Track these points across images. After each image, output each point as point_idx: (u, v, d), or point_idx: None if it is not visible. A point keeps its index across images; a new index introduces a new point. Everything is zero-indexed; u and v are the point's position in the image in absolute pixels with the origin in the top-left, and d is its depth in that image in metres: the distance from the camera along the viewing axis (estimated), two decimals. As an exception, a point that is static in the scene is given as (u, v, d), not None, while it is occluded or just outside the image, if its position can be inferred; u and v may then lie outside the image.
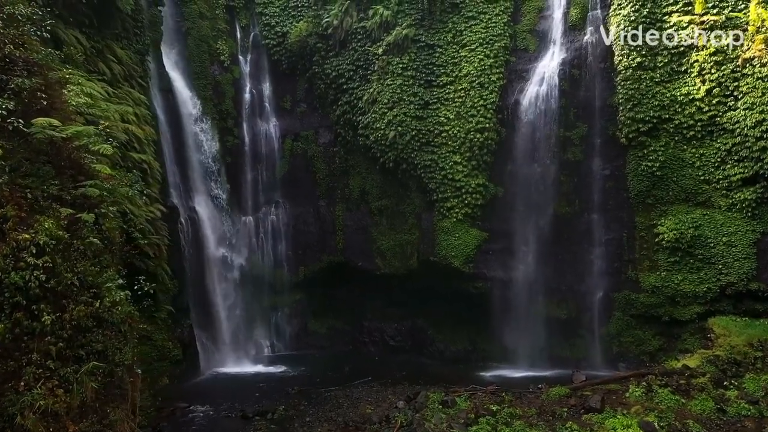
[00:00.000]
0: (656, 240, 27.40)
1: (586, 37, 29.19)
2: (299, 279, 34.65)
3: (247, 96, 35.10)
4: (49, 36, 13.52)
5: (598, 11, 29.11)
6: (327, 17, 33.17)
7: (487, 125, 29.90)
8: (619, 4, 28.04)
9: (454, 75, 30.85)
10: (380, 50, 31.77)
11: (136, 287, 13.45)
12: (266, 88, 35.55)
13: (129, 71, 24.21)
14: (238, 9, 35.11)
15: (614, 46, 28.14)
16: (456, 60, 30.88)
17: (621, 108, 27.81)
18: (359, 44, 32.57)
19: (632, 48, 27.47)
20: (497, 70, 30.24)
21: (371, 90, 31.95)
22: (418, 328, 33.19)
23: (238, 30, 35.32)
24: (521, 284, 30.19)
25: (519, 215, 30.15)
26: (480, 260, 30.36)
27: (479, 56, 30.41)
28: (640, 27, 27.29)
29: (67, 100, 13.15)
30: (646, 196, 27.78)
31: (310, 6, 34.14)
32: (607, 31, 28.52)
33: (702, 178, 26.76)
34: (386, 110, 31.35)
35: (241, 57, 35.26)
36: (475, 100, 30.13)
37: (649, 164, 27.38)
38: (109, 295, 11.17)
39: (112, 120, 19.58)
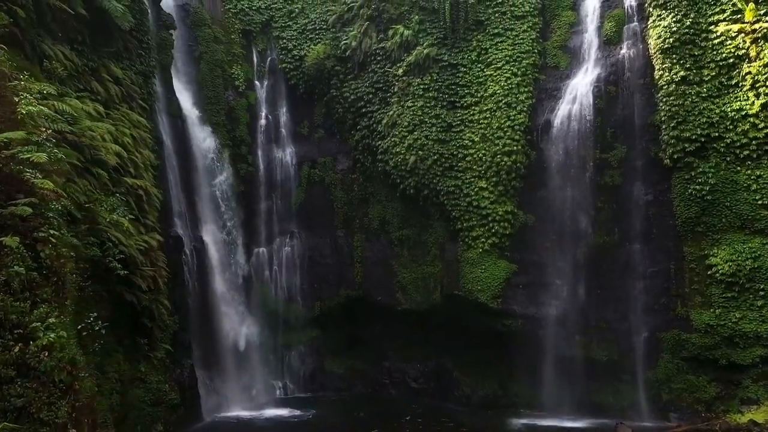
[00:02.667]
0: (709, 272, 24.44)
1: (622, 52, 26.93)
2: (315, 314, 32.44)
3: (262, 122, 33.65)
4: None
5: (636, 23, 26.88)
6: (345, 39, 31.79)
7: (515, 148, 27.67)
8: (659, 15, 25.75)
9: (479, 95, 28.87)
10: (400, 71, 30.11)
11: (80, 326, 11.33)
12: (283, 113, 34.07)
13: (128, 92, 22.82)
14: (255, 33, 33.95)
15: (654, 60, 25.75)
16: (481, 79, 28.95)
17: (664, 126, 25.27)
18: (379, 66, 30.97)
19: (675, 61, 25.02)
20: (525, 89, 28.14)
21: (391, 113, 30.16)
22: (442, 369, 30.50)
23: (254, 54, 34.11)
24: (555, 322, 27.43)
25: (552, 245, 27.62)
26: (509, 295, 27.78)
27: (506, 75, 28.39)
28: (684, 38, 24.85)
29: (18, 110, 11.43)
30: (696, 224, 24.89)
31: (329, 28, 32.83)
32: (647, 44, 26.17)
33: (759, 202, 23.79)
34: (406, 134, 29.45)
35: (257, 82, 33.96)
36: (502, 121, 28.00)
37: (697, 188, 24.59)
38: (38, 336, 9.10)
39: (98, 140, 17.99)
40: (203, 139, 29.95)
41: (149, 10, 26.44)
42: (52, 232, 10.23)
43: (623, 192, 26.66)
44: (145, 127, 23.23)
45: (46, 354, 9.08)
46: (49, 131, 11.45)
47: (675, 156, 24.99)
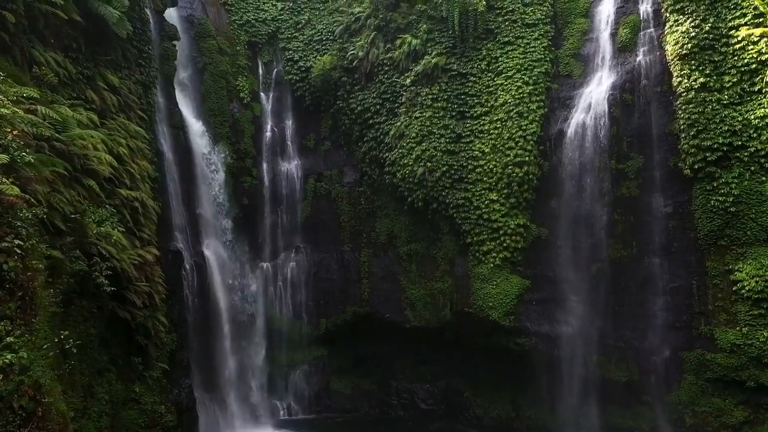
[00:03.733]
0: (734, 288, 23.11)
1: (638, 58, 25.92)
2: (320, 332, 31.37)
3: (267, 134, 32.94)
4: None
5: (651, 29, 25.91)
6: (352, 49, 31.10)
7: (527, 158, 26.66)
8: (676, 20, 24.73)
9: (489, 105, 27.99)
10: (408, 81, 29.34)
11: (46, 346, 10.36)
12: (288, 125, 33.36)
13: (126, 102, 22.14)
14: (260, 45, 33.39)
15: (672, 67, 24.71)
16: (491, 89, 28.09)
17: (683, 135, 24.17)
18: (386, 76, 30.22)
19: (694, 67, 23.96)
20: (537, 98, 27.20)
21: (399, 124, 29.33)
22: (452, 390, 29.34)
23: (260, 66, 33.52)
24: (571, 340, 26.28)
25: (566, 260, 26.50)
26: (522, 312, 26.65)
27: (517, 83, 27.49)
28: (703, 44, 23.81)
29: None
30: (719, 237, 23.63)
31: (335, 39, 32.20)
32: (663, 50, 25.17)
33: (787, 214, 22.53)
34: (414, 145, 28.57)
35: (262, 94, 33.32)
36: (513, 131, 27.03)
37: (720, 199, 23.37)
38: (-5, 358, 8.17)
39: (89, 149, 17.23)
40: (206, 152, 29.23)
41: (151, 20, 25.89)
42: (18, 242, 9.35)
43: (641, 204, 25.51)
44: (144, 138, 22.50)
45: (2, 377, 8.14)
46: (16, 133, 10.66)
47: (696, 166, 23.84)
